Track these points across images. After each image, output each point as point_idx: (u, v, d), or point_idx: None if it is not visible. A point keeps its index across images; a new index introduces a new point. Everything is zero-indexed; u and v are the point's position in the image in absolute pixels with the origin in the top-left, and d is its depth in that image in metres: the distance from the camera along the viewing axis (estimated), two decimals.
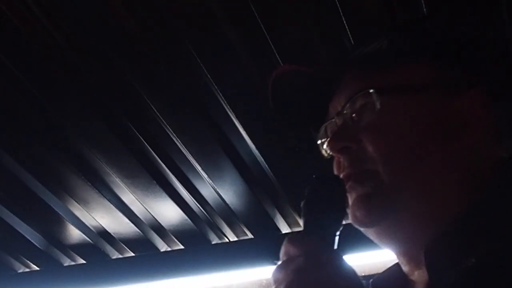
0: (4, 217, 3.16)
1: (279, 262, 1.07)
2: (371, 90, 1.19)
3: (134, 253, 3.54)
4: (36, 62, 2.30)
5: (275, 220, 3.20)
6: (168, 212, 3.13)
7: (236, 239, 3.43)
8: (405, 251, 1.19)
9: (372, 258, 2.56)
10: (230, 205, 3.07)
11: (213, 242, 3.44)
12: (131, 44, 2.23)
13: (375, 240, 1.22)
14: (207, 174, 2.84)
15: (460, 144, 1.16)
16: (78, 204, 3.05)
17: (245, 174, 2.84)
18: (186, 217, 3.16)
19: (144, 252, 3.52)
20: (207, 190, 2.98)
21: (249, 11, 2.09)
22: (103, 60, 2.31)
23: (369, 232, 1.21)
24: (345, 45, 2.18)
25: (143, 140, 2.65)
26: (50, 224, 3.25)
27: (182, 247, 3.46)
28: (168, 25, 2.17)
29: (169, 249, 3.51)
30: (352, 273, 1.01)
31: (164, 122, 2.56)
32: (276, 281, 1.04)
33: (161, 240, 3.41)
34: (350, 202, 1.18)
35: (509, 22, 2.02)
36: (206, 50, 2.25)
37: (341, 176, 1.22)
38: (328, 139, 1.27)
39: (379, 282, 1.20)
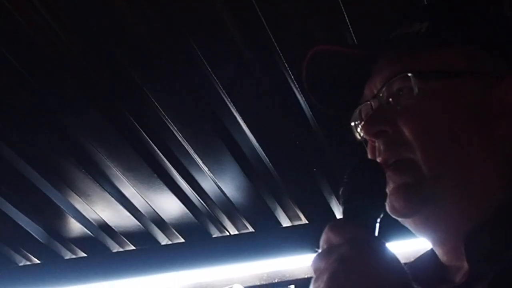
0: (5, 210, 3.16)
1: (320, 251, 1.04)
2: (409, 74, 1.17)
3: (134, 246, 3.54)
4: (37, 55, 2.30)
5: (276, 214, 3.20)
6: (168, 206, 3.13)
7: (236, 232, 3.43)
8: (443, 241, 1.17)
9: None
10: (230, 199, 3.07)
11: (213, 236, 3.44)
12: (132, 36, 2.23)
13: (412, 230, 1.20)
14: (207, 168, 2.84)
15: (500, 133, 1.13)
16: (79, 197, 3.05)
17: (246, 167, 2.84)
18: (187, 211, 3.16)
19: (145, 245, 3.52)
20: (207, 183, 2.98)
21: (249, 3, 2.08)
22: (104, 53, 2.30)
23: (406, 222, 1.19)
24: (345, 35, 2.17)
25: (144, 133, 2.65)
26: (51, 217, 3.25)
27: (182, 240, 3.46)
28: (168, 17, 2.17)
29: (169, 242, 3.51)
30: (396, 260, 0.99)
31: (165, 116, 2.55)
32: (317, 270, 1.01)
33: (161, 233, 3.41)
34: (388, 191, 1.14)
35: None
36: (206, 43, 2.25)
37: (378, 161, 1.20)
38: (363, 122, 1.23)
39: (413, 269, 1.17)
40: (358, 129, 1.31)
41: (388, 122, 1.18)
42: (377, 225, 1.07)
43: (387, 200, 1.14)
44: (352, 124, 1.33)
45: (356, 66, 1.28)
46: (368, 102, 1.24)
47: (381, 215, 1.08)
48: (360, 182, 1.11)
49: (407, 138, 1.15)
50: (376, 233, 1.06)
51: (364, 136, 1.24)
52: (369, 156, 1.25)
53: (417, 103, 1.16)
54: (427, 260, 1.22)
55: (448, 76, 1.17)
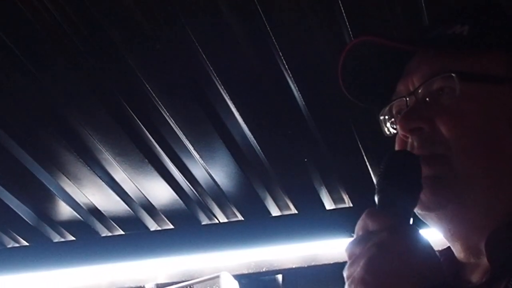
0: None
1: (355, 236, 1.05)
2: (453, 74, 1.18)
3: (124, 231, 3.54)
4: (34, 39, 2.29)
5: (266, 203, 3.21)
6: (159, 192, 3.13)
7: (226, 220, 3.43)
8: (464, 239, 1.18)
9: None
10: (221, 187, 3.07)
11: (203, 223, 3.45)
12: (128, 23, 2.23)
13: (434, 225, 1.21)
14: (199, 155, 2.84)
15: None
16: (70, 180, 3.04)
17: (237, 156, 2.85)
18: (177, 197, 3.16)
19: (134, 230, 3.52)
20: (198, 170, 2.98)
21: None
22: (101, 39, 2.30)
23: (429, 217, 1.20)
24: (341, 29, 2.18)
25: (136, 119, 2.64)
26: (41, 199, 3.25)
27: (172, 226, 3.47)
28: (166, 6, 2.17)
29: (159, 228, 3.51)
30: (431, 248, 1.01)
31: (158, 102, 2.55)
32: (353, 255, 1.02)
33: (151, 219, 3.41)
34: None
35: None
36: (203, 32, 2.25)
37: None
38: (400, 117, 1.23)
39: None
40: (388, 124, 1.32)
41: (426, 120, 1.19)
42: (412, 214, 1.08)
43: None
44: (381, 118, 1.33)
45: (390, 62, 1.29)
46: (403, 98, 1.25)
47: (416, 205, 1.09)
48: (396, 172, 1.12)
49: (444, 136, 1.17)
50: (411, 223, 1.08)
51: (399, 131, 1.24)
52: (397, 149, 1.26)
53: (457, 104, 1.17)
54: (444, 258, 1.23)
55: (489, 81, 1.19)
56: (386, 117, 1.32)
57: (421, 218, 1.22)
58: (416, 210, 1.18)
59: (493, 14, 1.30)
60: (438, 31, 1.28)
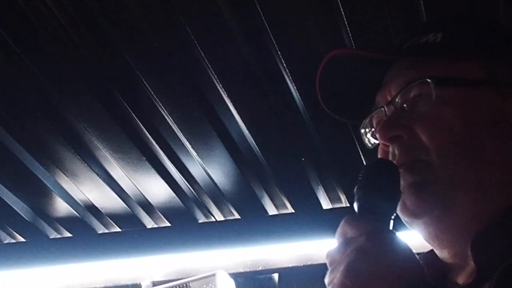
0: None
1: (336, 243, 1.06)
2: (428, 80, 1.19)
3: (120, 228, 3.54)
4: (31, 33, 2.29)
5: (263, 202, 3.21)
6: (156, 189, 3.13)
7: (222, 218, 3.43)
8: (451, 243, 1.19)
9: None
10: (218, 185, 3.07)
11: (200, 221, 3.45)
12: (126, 19, 2.23)
13: (419, 232, 1.22)
14: (196, 153, 2.84)
15: None
16: (66, 176, 3.04)
17: (235, 154, 2.85)
18: (174, 195, 3.16)
19: (131, 228, 3.52)
20: (196, 168, 2.98)
21: None
22: (98, 35, 2.30)
23: (416, 224, 1.21)
24: (339, 25, 2.18)
25: (134, 116, 2.64)
26: (38, 195, 3.24)
27: (169, 224, 3.47)
28: (165, 3, 2.16)
29: (155, 226, 3.51)
30: (410, 251, 1.02)
31: (156, 99, 2.55)
32: (333, 262, 1.03)
33: (148, 217, 3.41)
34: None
35: None
36: (201, 29, 2.25)
37: None
38: (379, 126, 1.24)
39: None
40: (369, 135, 1.33)
41: (404, 127, 1.20)
42: (391, 222, 1.09)
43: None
44: (362, 131, 1.35)
45: (367, 75, 1.30)
46: (382, 109, 1.25)
47: (395, 213, 1.10)
48: (375, 179, 1.13)
49: (423, 143, 1.18)
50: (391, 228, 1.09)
51: (379, 141, 1.25)
52: None
53: (434, 109, 1.19)
54: (428, 260, 1.24)
55: (466, 85, 1.20)
56: (367, 129, 1.34)
57: (408, 226, 1.22)
58: (403, 218, 1.20)
59: (467, 21, 1.32)
60: (413, 41, 1.29)
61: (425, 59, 1.24)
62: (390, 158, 1.23)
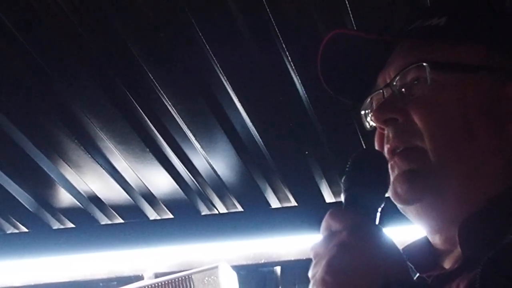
0: None
1: (320, 237, 1.05)
2: (424, 64, 1.18)
3: (123, 220, 3.55)
4: (37, 26, 2.29)
5: (266, 195, 3.21)
6: (159, 181, 3.14)
7: (225, 211, 3.44)
8: (442, 230, 1.18)
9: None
10: (221, 177, 3.07)
11: (202, 213, 3.46)
12: (133, 11, 2.23)
13: (412, 218, 1.21)
14: (200, 145, 2.84)
15: (510, 128, 1.16)
16: (70, 168, 3.05)
17: (238, 147, 2.85)
18: (177, 187, 3.16)
19: (134, 219, 3.52)
20: (199, 161, 2.98)
21: None
22: (103, 26, 2.30)
23: (408, 210, 1.21)
24: (345, 23, 2.18)
25: (138, 108, 2.65)
26: (41, 186, 3.25)
27: (171, 216, 3.47)
28: None
29: (158, 217, 3.52)
30: (395, 248, 1.01)
31: (161, 91, 2.55)
32: (317, 256, 1.02)
33: (151, 209, 3.42)
34: (392, 178, 1.16)
35: None
36: (206, 23, 2.25)
37: (386, 148, 1.21)
38: (375, 108, 1.24)
39: (407, 254, 1.18)
40: (368, 118, 1.32)
41: (399, 110, 1.19)
42: (378, 214, 1.08)
43: (391, 186, 1.16)
44: (362, 112, 1.34)
45: (370, 55, 1.29)
46: (380, 91, 1.25)
47: (382, 205, 1.09)
48: (362, 171, 1.11)
49: (417, 127, 1.17)
50: (377, 222, 1.07)
51: (374, 123, 1.25)
52: (376, 144, 1.26)
53: (430, 94, 1.18)
54: (421, 245, 1.24)
55: (463, 70, 1.19)
56: (367, 111, 1.33)
57: (403, 212, 1.22)
58: (397, 205, 1.19)
59: (472, 6, 1.30)
60: (416, 24, 1.28)
61: (427, 42, 1.23)
62: (385, 141, 1.22)
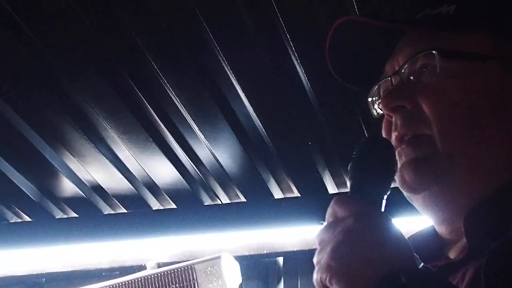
0: None
1: (325, 223, 1.05)
2: (434, 52, 1.18)
3: (126, 209, 3.55)
4: (41, 14, 2.28)
5: (269, 185, 3.21)
6: (162, 171, 3.14)
7: (228, 201, 3.44)
8: (448, 219, 1.18)
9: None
10: (224, 167, 3.07)
11: (205, 203, 3.46)
12: (137, 2, 2.22)
13: (418, 207, 1.21)
14: (203, 135, 2.84)
15: None
16: (74, 157, 3.05)
17: (242, 137, 2.85)
18: (180, 177, 3.16)
19: (136, 209, 3.53)
20: (202, 150, 2.98)
21: None
22: (107, 14, 2.29)
23: (415, 199, 1.20)
24: (349, 14, 2.17)
25: (142, 97, 2.64)
26: (45, 175, 3.25)
27: (174, 206, 3.48)
28: None
29: (161, 207, 3.52)
30: (400, 235, 1.00)
31: (165, 81, 2.55)
32: (322, 242, 1.01)
33: (154, 198, 3.42)
34: (399, 165, 1.16)
35: None
36: (209, 10, 2.24)
37: (393, 136, 1.21)
38: (383, 96, 1.24)
39: (413, 243, 1.18)
40: (376, 105, 1.32)
41: (407, 98, 1.19)
42: (384, 202, 1.07)
43: (398, 174, 1.16)
44: (370, 99, 1.33)
45: (378, 43, 1.29)
46: (389, 78, 1.25)
47: (388, 192, 1.08)
48: (369, 158, 1.10)
49: (425, 115, 1.16)
50: (382, 210, 1.07)
51: (382, 111, 1.24)
52: (383, 131, 1.26)
53: (438, 81, 1.17)
54: (427, 235, 1.24)
55: (472, 58, 1.18)
56: (374, 98, 1.32)
57: (409, 201, 1.22)
58: (404, 193, 1.19)
59: None
60: (426, 11, 1.28)
61: (436, 30, 1.23)
62: (393, 129, 1.22)
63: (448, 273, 1.11)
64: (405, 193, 1.20)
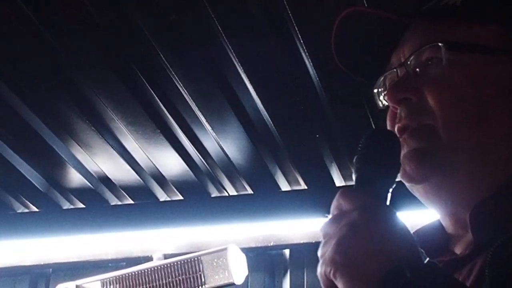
0: (6, 156, 3.16)
1: (330, 216, 1.04)
2: (440, 44, 1.17)
3: (133, 200, 3.56)
4: (49, 6, 2.29)
5: (276, 177, 3.21)
6: (169, 162, 3.14)
7: (235, 193, 3.44)
8: (451, 212, 1.18)
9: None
10: (231, 159, 3.07)
11: (212, 195, 3.46)
12: None
13: (422, 199, 1.21)
14: (211, 127, 2.84)
15: None
16: (81, 148, 3.05)
17: (249, 129, 2.85)
18: (187, 168, 3.17)
19: (143, 200, 3.53)
20: (210, 142, 2.98)
21: None
22: (116, 7, 2.30)
23: (416, 190, 1.20)
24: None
25: (149, 88, 2.65)
26: (52, 166, 3.26)
27: (181, 197, 3.48)
28: None
29: (168, 199, 3.52)
30: (405, 229, 1.00)
31: (172, 72, 2.55)
32: (326, 235, 1.00)
33: (161, 190, 3.42)
34: (402, 155, 1.15)
35: None
36: (219, 4, 2.24)
37: (396, 127, 1.20)
38: (389, 88, 1.24)
39: (419, 237, 1.17)
40: (381, 97, 1.31)
41: (413, 90, 1.18)
42: (389, 195, 1.07)
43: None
44: (375, 91, 1.32)
45: (384, 34, 1.28)
46: (394, 70, 1.25)
47: (393, 185, 1.08)
48: (374, 151, 1.10)
49: (430, 107, 1.16)
50: (388, 203, 1.06)
51: (388, 103, 1.24)
52: (388, 122, 1.25)
53: (444, 74, 1.17)
54: (433, 229, 1.23)
55: (479, 51, 1.18)
56: (380, 89, 1.32)
57: (411, 191, 1.21)
58: (405, 183, 1.18)
59: None
60: (433, 2, 1.28)
61: (442, 22, 1.22)
62: (397, 120, 1.21)
63: (454, 269, 1.10)
64: (406, 184, 1.19)
